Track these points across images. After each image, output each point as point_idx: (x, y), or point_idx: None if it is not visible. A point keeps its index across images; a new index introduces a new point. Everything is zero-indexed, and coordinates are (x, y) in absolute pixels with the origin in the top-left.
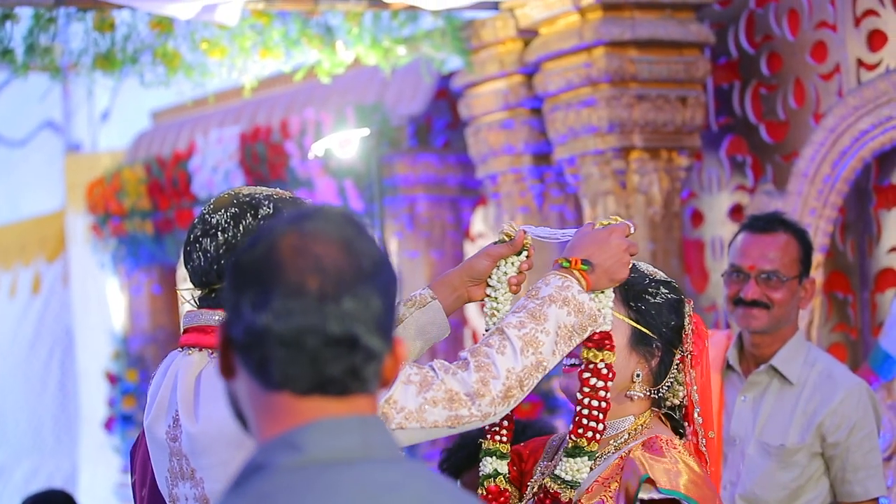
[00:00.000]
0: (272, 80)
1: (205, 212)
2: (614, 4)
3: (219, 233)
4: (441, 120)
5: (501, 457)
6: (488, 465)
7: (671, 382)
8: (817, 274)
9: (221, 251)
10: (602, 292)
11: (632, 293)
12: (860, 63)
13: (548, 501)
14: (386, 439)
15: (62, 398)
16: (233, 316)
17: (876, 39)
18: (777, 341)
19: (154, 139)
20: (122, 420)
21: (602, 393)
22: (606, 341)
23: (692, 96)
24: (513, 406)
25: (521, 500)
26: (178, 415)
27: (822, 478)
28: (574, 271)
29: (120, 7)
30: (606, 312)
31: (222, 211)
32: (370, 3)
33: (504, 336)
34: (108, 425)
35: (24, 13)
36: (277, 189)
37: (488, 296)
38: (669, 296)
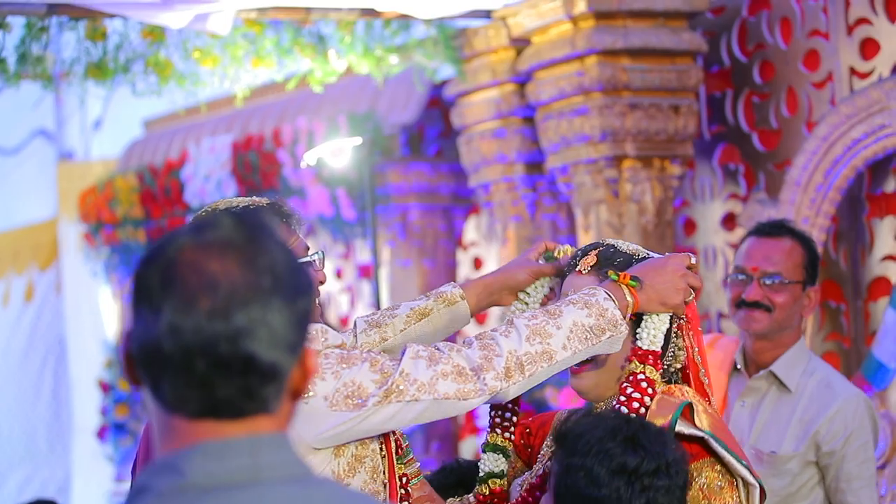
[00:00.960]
0: (264, 88)
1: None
2: (606, 13)
3: None
4: (433, 128)
5: (506, 456)
6: (491, 462)
7: (673, 350)
8: None
9: None
10: (656, 316)
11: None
12: (853, 71)
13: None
14: (286, 458)
15: (55, 406)
16: (132, 329)
17: (868, 48)
18: (778, 347)
19: (146, 148)
20: (115, 429)
21: (636, 404)
22: (650, 356)
23: (685, 105)
24: (517, 389)
25: (529, 472)
26: None
27: (817, 487)
28: (622, 286)
29: (112, 16)
30: (657, 337)
31: None
32: (362, 12)
33: (511, 324)
34: (101, 434)
35: (16, 22)
36: (254, 198)
37: (517, 306)
38: None
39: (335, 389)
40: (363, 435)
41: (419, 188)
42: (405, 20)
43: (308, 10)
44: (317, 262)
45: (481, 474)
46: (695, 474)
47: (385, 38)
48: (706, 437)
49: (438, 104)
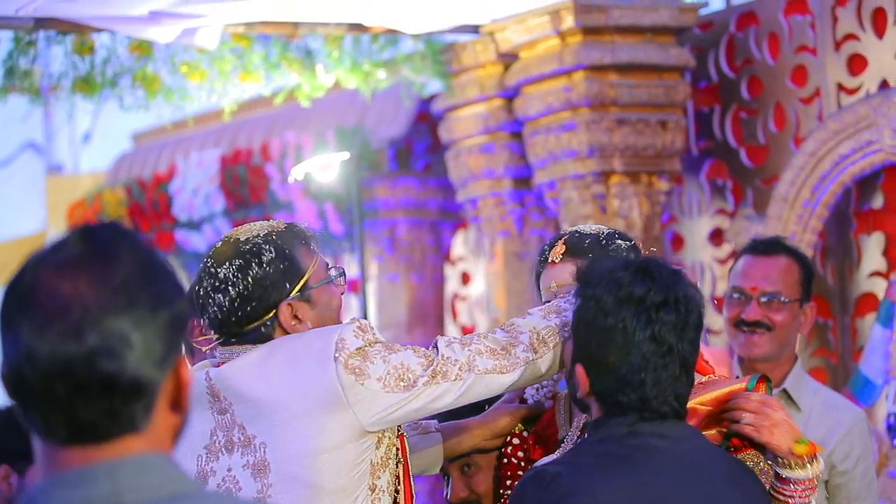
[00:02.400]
0: (252, 102)
1: (209, 265)
2: (594, 28)
3: (229, 287)
4: (421, 143)
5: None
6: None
7: None
8: None
9: (236, 304)
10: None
11: (597, 257)
12: (840, 87)
13: None
14: (152, 480)
15: None
16: (2, 356)
17: (856, 63)
18: (778, 367)
19: (135, 161)
20: None
21: None
22: None
23: (672, 120)
24: (547, 362)
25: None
26: (224, 397)
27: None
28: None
29: (99, 30)
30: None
31: (227, 264)
32: (350, 26)
33: (527, 312)
34: None
35: (4, 36)
36: (271, 222)
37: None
38: (625, 243)
39: (386, 372)
40: (411, 416)
41: (407, 203)
42: (393, 35)
43: (296, 24)
44: (336, 280)
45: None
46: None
47: (373, 52)
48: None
49: (426, 119)
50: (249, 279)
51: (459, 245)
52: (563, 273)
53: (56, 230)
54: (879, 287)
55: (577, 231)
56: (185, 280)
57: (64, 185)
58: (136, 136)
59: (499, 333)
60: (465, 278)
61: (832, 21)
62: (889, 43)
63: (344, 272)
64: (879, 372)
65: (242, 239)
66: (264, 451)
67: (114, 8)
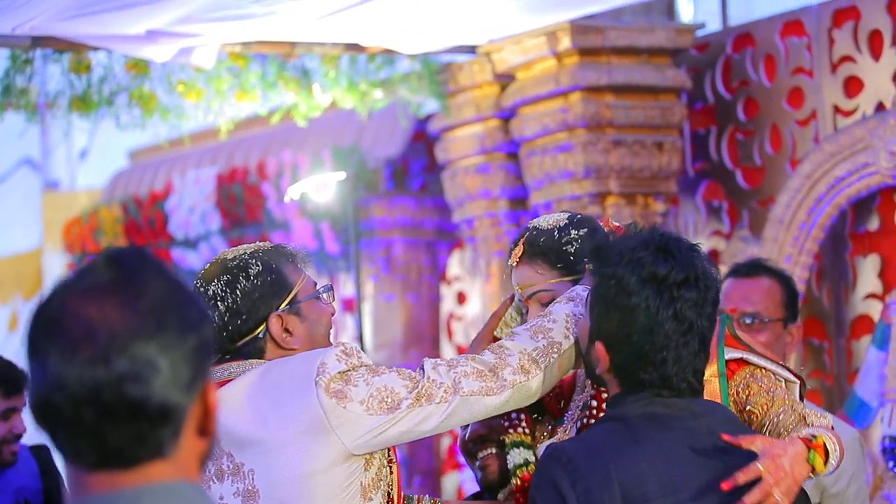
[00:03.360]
0: (249, 121)
1: (198, 286)
2: (591, 50)
3: (218, 303)
4: (418, 162)
5: (528, 447)
6: (518, 455)
7: None
8: None
9: (226, 318)
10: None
11: (552, 254)
12: (836, 109)
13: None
14: None
15: (38, 436)
16: (30, 384)
17: (852, 86)
18: None
19: (131, 179)
20: None
21: None
22: None
23: (668, 142)
24: (537, 382)
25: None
26: None
27: None
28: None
29: (96, 49)
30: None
31: (215, 281)
32: (347, 46)
33: (513, 333)
34: None
35: (1, 54)
36: (258, 243)
37: (504, 332)
38: (580, 231)
39: (369, 395)
40: (397, 439)
41: (403, 222)
42: (390, 55)
43: (293, 44)
44: (324, 297)
45: (511, 467)
46: (748, 376)
47: (369, 72)
48: (744, 356)
49: (423, 138)
50: (238, 293)
51: (455, 265)
52: (524, 275)
53: (52, 247)
54: (875, 309)
55: (535, 228)
56: None
57: (60, 202)
58: (132, 154)
59: (487, 356)
60: (461, 298)
61: (829, 43)
62: (885, 65)
63: (332, 288)
64: (875, 394)
65: (230, 257)
66: (252, 478)
67: (111, 27)
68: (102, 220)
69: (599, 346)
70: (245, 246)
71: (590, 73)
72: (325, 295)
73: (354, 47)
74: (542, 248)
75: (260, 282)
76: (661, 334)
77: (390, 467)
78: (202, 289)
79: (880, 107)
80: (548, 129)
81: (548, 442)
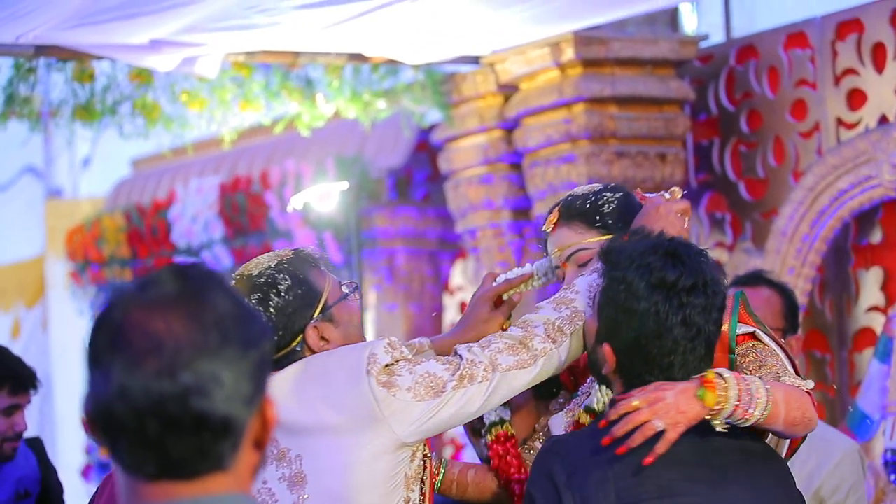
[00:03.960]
0: (252, 130)
1: None
2: (594, 61)
3: None
4: (421, 172)
5: (505, 406)
6: (494, 413)
7: None
8: None
9: None
10: None
11: (590, 214)
12: (840, 122)
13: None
14: None
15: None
16: (88, 392)
17: (855, 98)
18: None
19: (134, 187)
20: (100, 468)
21: None
22: None
23: (672, 153)
24: (565, 350)
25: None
26: None
27: None
28: None
29: (100, 58)
30: None
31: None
32: (350, 56)
33: (537, 307)
34: (86, 473)
35: (4, 63)
36: (277, 252)
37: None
38: (616, 194)
39: (414, 382)
40: (446, 423)
41: (406, 232)
42: (393, 65)
43: (296, 54)
44: (352, 296)
45: (486, 423)
46: (749, 347)
47: (373, 82)
48: (756, 332)
49: (426, 148)
50: (271, 310)
51: (458, 275)
52: (561, 237)
53: (54, 255)
54: (877, 322)
55: (570, 195)
56: None
57: (63, 210)
58: (135, 162)
59: (513, 330)
60: (464, 308)
61: (832, 56)
62: (888, 78)
63: (358, 286)
64: (877, 407)
65: (255, 273)
66: (300, 464)
67: (114, 36)
68: (105, 228)
69: (606, 348)
70: (266, 258)
71: (593, 84)
72: (350, 295)
73: (358, 57)
74: (580, 210)
75: (292, 296)
76: (670, 339)
77: (424, 461)
78: None
79: (883, 119)
80: (551, 140)
81: (559, 415)
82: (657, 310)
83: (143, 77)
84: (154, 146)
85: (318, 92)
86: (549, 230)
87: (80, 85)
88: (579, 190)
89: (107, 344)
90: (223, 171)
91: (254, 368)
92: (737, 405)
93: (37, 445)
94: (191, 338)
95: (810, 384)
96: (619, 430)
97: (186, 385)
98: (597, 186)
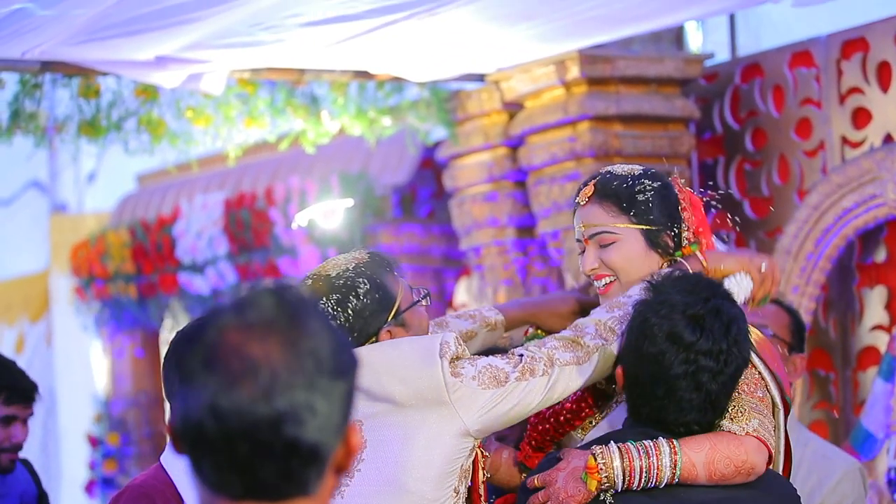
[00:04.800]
0: (257, 146)
1: None
2: (599, 79)
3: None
4: (426, 190)
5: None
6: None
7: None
8: None
9: None
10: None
11: (624, 198)
12: (845, 140)
13: None
14: None
15: (43, 459)
16: (176, 407)
17: (860, 117)
18: None
19: (139, 202)
20: (103, 483)
21: None
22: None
23: (676, 171)
24: (617, 348)
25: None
26: None
27: None
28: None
29: (105, 74)
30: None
31: (324, 300)
32: (356, 73)
33: (590, 313)
34: (89, 488)
35: (10, 79)
36: (353, 254)
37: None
38: (654, 184)
39: (478, 371)
40: (507, 414)
41: (410, 249)
42: (398, 82)
43: (302, 71)
44: (422, 301)
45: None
46: None
47: (378, 99)
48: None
49: (431, 165)
50: (349, 311)
51: (462, 292)
52: (590, 214)
53: (59, 270)
54: (881, 341)
55: (609, 171)
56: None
57: (68, 225)
58: (140, 178)
59: (564, 332)
60: None
61: (837, 74)
62: (894, 97)
63: (428, 293)
64: (881, 426)
65: (333, 274)
66: (361, 429)
67: (120, 52)
68: (110, 243)
69: (619, 370)
70: (343, 260)
71: (598, 102)
72: (423, 300)
73: (363, 75)
74: (615, 191)
75: (369, 300)
76: (666, 386)
77: (474, 465)
78: None
79: (888, 138)
80: (556, 158)
81: (596, 427)
82: (662, 359)
83: (149, 93)
84: (159, 162)
85: (323, 109)
86: (582, 202)
87: (85, 101)
88: (619, 169)
89: (201, 362)
90: (228, 187)
91: (344, 397)
92: (630, 479)
93: (29, 466)
94: (287, 364)
95: (752, 425)
96: None
97: (281, 411)
98: (637, 169)
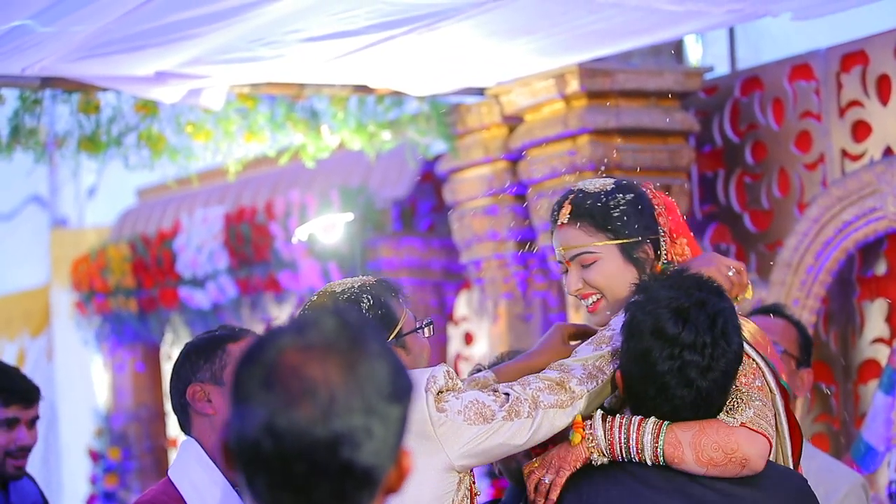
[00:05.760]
0: (257, 161)
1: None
2: (599, 92)
3: None
4: (426, 203)
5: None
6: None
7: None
8: None
9: None
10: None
11: (599, 217)
12: (844, 153)
13: None
14: None
15: (44, 473)
16: (231, 423)
17: (860, 130)
18: None
19: (139, 217)
20: (104, 498)
21: None
22: None
23: (676, 184)
24: (609, 389)
25: None
26: None
27: None
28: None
29: (105, 89)
30: None
31: None
32: (355, 87)
33: (575, 351)
34: (90, 503)
35: (10, 94)
36: (361, 277)
37: None
38: (627, 196)
39: (464, 406)
40: (492, 452)
41: (411, 263)
42: (398, 96)
43: (301, 85)
44: (425, 331)
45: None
46: None
47: (378, 113)
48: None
49: (431, 179)
50: None
51: (463, 305)
52: (568, 236)
53: (59, 285)
54: (882, 354)
55: (580, 190)
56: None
57: (68, 239)
58: (140, 192)
59: (550, 372)
60: (469, 338)
61: (837, 87)
62: (893, 110)
63: (432, 322)
64: (881, 439)
65: (339, 290)
66: None
67: (120, 68)
68: (110, 258)
69: (618, 374)
70: (350, 280)
71: (598, 115)
72: (426, 329)
73: (363, 89)
74: (590, 210)
75: (371, 315)
76: (655, 384)
77: (471, 498)
78: None
79: (888, 151)
80: (556, 172)
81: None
82: (648, 356)
83: (149, 108)
84: (159, 176)
85: (322, 123)
86: (559, 225)
87: (85, 116)
88: (591, 186)
89: (259, 381)
90: (228, 201)
91: (400, 422)
92: (611, 444)
93: (34, 479)
94: (346, 386)
95: (746, 415)
96: (529, 494)
97: (338, 433)
98: (609, 184)
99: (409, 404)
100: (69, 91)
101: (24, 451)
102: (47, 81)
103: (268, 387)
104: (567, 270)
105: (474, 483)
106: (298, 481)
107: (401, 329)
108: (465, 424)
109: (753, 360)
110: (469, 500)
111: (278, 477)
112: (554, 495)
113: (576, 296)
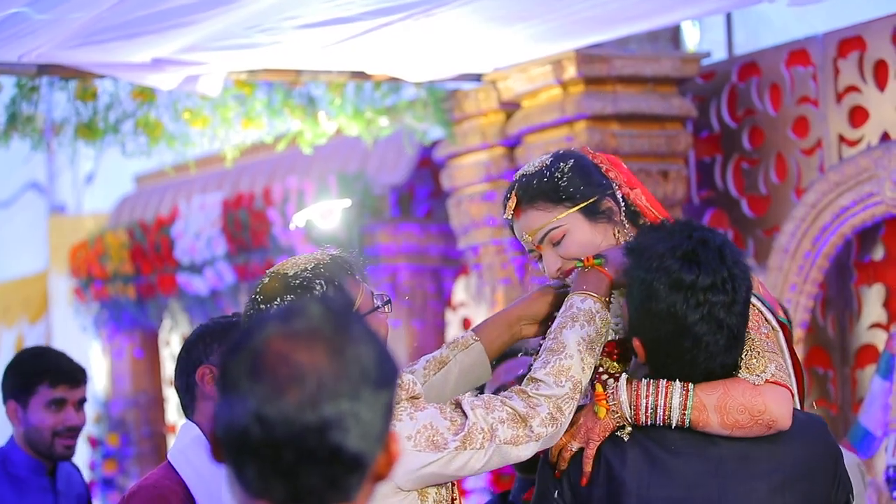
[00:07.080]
0: (255, 147)
1: (258, 301)
2: (596, 78)
3: None
4: (423, 189)
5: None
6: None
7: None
8: (798, 349)
9: None
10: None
11: (551, 191)
12: (842, 139)
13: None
14: None
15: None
16: (219, 413)
17: (857, 115)
18: None
19: (137, 203)
20: (103, 484)
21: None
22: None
23: (674, 170)
24: (561, 429)
25: None
26: None
27: None
28: (590, 268)
29: (102, 76)
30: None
31: (278, 300)
32: (353, 74)
33: (533, 379)
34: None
35: (7, 82)
36: (315, 255)
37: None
38: (568, 163)
39: (416, 430)
40: (439, 478)
41: (408, 249)
42: (395, 83)
43: (298, 72)
44: (382, 308)
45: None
46: None
47: (375, 99)
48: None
49: (428, 164)
50: None
51: (461, 291)
52: (529, 220)
53: (58, 271)
54: (879, 339)
55: (523, 175)
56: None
57: (66, 226)
58: (138, 179)
59: (517, 402)
60: (467, 324)
61: (834, 73)
62: (890, 95)
63: (390, 299)
64: (879, 424)
65: (290, 274)
66: None
67: (117, 55)
68: (108, 244)
69: (636, 342)
70: (304, 259)
71: (595, 101)
72: (385, 307)
73: (360, 75)
74: (539, 189)
75: None
76: (690, 336)
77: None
78: (263, 306)
79: (885, 137)
80: None
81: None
82: (675, 311)
83: (146, 95)
84: (157, 163)
85: (320, 109)
86: (510, 216)
87: (82, 103)
88: (530, 168)
89: (246, 370)
90: (226, 187)
91: (387, 406)
92: (636, 411)
93: (79, 469)
94: (333, 372)
95: (769, 371)
96: (552, 458)
97: (327, 419)
98: (547, 159)
99: (395, 389)
100: (66, 78)
101: (73, 431)
102: (44, 69)
103: (255, 375)
104: (541, 257)
105: (458, 489)
106: (288, 467)
107: (358, 309)
108: (414, 450)
109: (752, 304)
110: (449, 495)
111: (268, 464)
112: (587, 468)
113: (559, 277)
